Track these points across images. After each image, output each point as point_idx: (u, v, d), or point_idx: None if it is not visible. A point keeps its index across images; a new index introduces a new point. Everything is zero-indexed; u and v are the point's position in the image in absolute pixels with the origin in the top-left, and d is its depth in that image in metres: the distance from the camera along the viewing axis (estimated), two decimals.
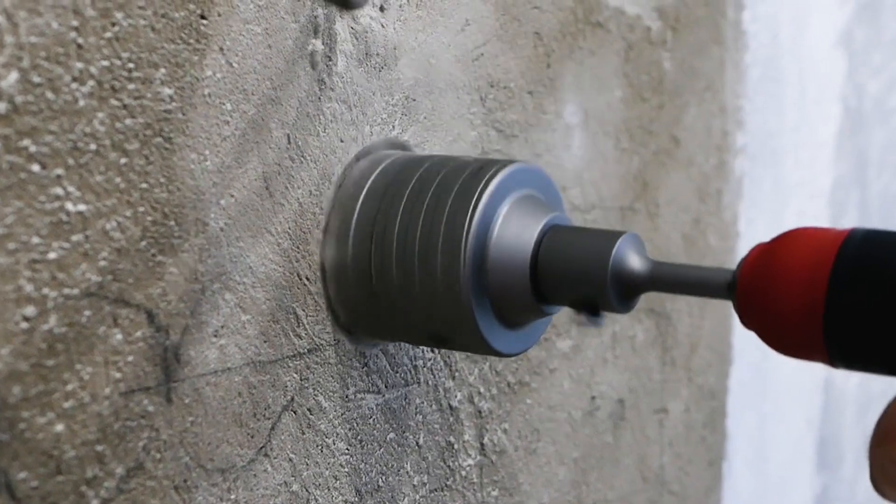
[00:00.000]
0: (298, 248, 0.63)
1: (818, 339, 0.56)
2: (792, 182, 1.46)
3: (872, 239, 0.56)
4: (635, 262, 0.63)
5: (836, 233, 0.57)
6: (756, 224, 1.31)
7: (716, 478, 1.29)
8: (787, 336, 0.58)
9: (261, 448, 0.61)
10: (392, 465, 0.72)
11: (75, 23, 0.49)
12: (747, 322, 0.60)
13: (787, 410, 1.55)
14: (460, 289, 0.61)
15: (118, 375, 0.52)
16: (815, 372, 1.63)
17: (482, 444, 0.82)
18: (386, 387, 0.71)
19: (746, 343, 1.32)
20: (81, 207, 0.50)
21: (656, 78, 1.04)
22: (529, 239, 0.63)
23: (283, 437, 0.63)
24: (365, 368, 0.69)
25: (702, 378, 1.21)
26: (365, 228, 0.64)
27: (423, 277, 0.62)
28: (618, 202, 0.99)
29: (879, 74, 1.76)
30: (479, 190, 0.62)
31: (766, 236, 0.61)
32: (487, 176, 0.63)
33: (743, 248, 1.26)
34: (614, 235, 0.63)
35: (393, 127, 0.70)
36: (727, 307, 1.25)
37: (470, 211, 0.62)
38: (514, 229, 0.63)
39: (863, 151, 1.73)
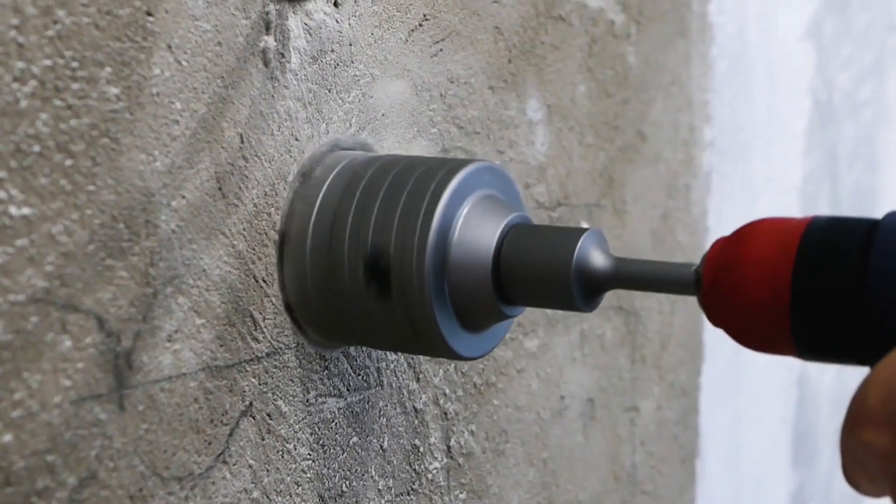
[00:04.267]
0: (254, 249, 0.62)
1: (785, 331, 0.56)
2: (762, 176, 1.46)
3: (833, 226, 0.56)
4: (599, 260, 0.62)
5: (796, 222, 0.57)
6: (725, 219, 1.30)
7: (689, 476, 1.28)
8: (754, 330, 0.57)
9: (219, 455, 0.60)
10: (356, 470, 0.71)
11: (15, 21, 0.48)
12: (714, 318, 0.59)
13: (761, 407, 1.54)
14: (421, 293, 0.60)
15: (68, 383, 0.51)
16: (789, 368, 1.62)
17: (448, 447, 0.81)
18: (348, 390, 0.70)
19: (718, 340, 1.31)
20: (25, 211, 0.49)
21: (621, 72, 1.04)
22: (491, 240, 0.62)
23: (242, 444, 0.62)
24: (326, 372, 0.68)
25: (673, 376, 1.21)
26: (323, 230, 0.63)
27: (382, 281, 0.61)
28: (584, 199, 0.98)
29: (849, 67, 1.76)
30: (438, 192, 0.61)
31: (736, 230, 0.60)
32: (446, 177, 0.62)
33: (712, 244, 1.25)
34: (577, 233, 0.62)
35: (350, 125, 0.69)
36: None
37: (430, 213, 0.61)
38: (474, 230, 0.62)
39: (833, 145, 1.73)
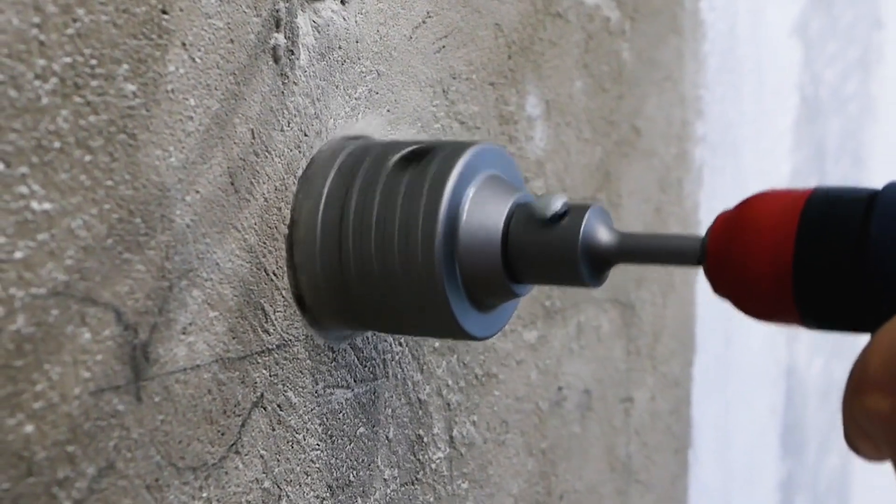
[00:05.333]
0: (265, 243, 0.63)
1: (789, 301, 0.57)
2: (752, 171, 1.47)
3: (834, 197, 0.57)
4: (604, 235, 0.63)
5: (798, 193, 0.58)
6: (717, 213, 1.31)
7: (682, 466, 1.30)
8: (758, 300, 0.58)
9: (231, 445, 0.61)
10: (363, 460, 0.72)
11: (37, 19, 0.49)
12: (718, 288, 0.60)
13: (750, 398, 1.56)
14: (433, 274, 0.61)
15: (87, 375, 0.52)
16: (777, 359, 1.64)
17: (451, 437, 0.82)
18: (355, 381, 0.71)
19: (709, 331, 1.33)
20: (47, 206, 0.50)
21: (616, 68, 1.05)
22: (498, 219, 0.63)
23: (253, 434, 0.63)
24: (334, 363, 0.69)
25: (666, 367, 1.22)
26: (331, 219, 0.64)
27: (394, 264, 0.62)
28: (581, 193, 0.99)
29: (835, 63, 1.77)
30: (445, 173, 0.62)
31: None
32: (452, 159, 0.63)
33: None
34: (582, 209, 0.63)
35: (357, 120, 0.70)
36: (690, 295, 1.25)
37: (438, 195, 0.62)
38: (482, 210, 0.63)
39: (820, 140, 1.75)
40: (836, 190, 0.58)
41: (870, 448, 0.52)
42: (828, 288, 0.56)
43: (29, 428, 0.49)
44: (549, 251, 0.63)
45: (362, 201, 0.64)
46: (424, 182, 0.62)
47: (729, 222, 0.60)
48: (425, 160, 0.63)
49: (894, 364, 0.48)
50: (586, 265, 0.63)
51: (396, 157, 0.64)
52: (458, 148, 0.63)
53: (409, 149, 0.65)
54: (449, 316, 0.63)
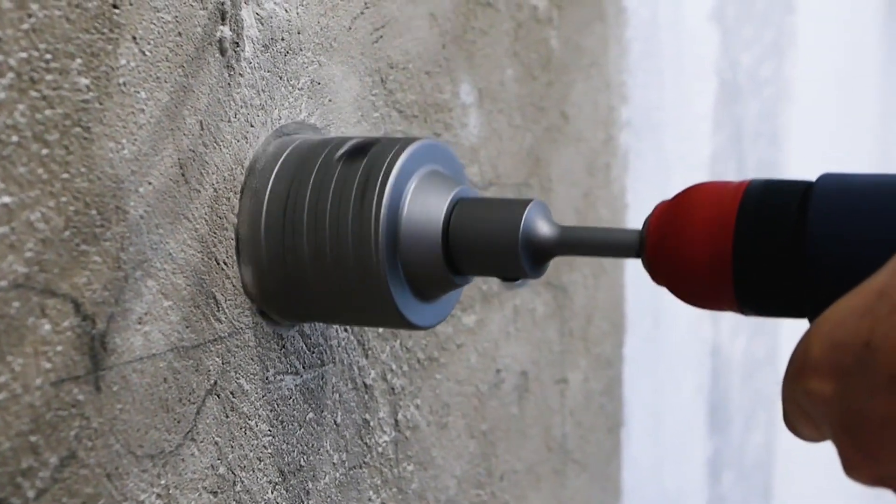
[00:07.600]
0: (215, 233, 0.64)
1: (728, 290, 0.59)
2: (674, 154, 1.50)
3: (770, 188, 0.59)
4: (544, 228, 0.65)
5: (735, 185, 0.60)
6: (642, 196, 1.34)
7: (615, 445, 1.32)
8: (697, 289, 0.60)
9: (187, 433, 0.62)
10: (312, 445, 0.73)
11: None
12: (658, 278, 0.62)
13: (679, 377, 1.58)
14: (375, 267, 0.63)
15: (48, 366, 0.53)
16: (703, 339, 1.67)
17: (396, 421, 0.83)
18: (303, 367, 0.72)
19: (639, 312, 1.35)
20: (6, 199, 0.50)
21: (545, 56, 1.06)
22: (439, 213, 0.65)
23: (208, 421, 0.64)
24: (283, 350, 0.70)
25: (598, 348, 1.24)
26: (276, 212, 0.65)
27: (336, 258, 0.64)
28: (513, 178, 1.01)
29: (751, 47, 1.81)
30: (387, 169, 0.63)
31: (652, 207, 0.63)
32: (393, 155, 0.64)
33: (632, 219, 1.29)
34: (522, 204, 0.65)
35: (300, 110, 0.71)
36: (619, 278, 1.28)
37: (379, 190, 0.63)
38: (423, 205, 0.64)
39: (738, 122, 1.78)
40: (772, 182, 0.60)
41: (810, 429, 0.53)
42: (767, 277, 0.58)
43: None
44: (491, 244, 0.64)
45: (305, 195, 0.65)
46: (366, 177, 0.63)
47: (667, 214, 0.61)
48: (367, 155, 0.64)
49: (835, 349, 0.50)
50: (527, 258, 0.64)
51: (339, 151, 0.65)
52: (399, 144, 0.65)
53: (352, 143, 0.66)
54: (392, 308, 0.64)
